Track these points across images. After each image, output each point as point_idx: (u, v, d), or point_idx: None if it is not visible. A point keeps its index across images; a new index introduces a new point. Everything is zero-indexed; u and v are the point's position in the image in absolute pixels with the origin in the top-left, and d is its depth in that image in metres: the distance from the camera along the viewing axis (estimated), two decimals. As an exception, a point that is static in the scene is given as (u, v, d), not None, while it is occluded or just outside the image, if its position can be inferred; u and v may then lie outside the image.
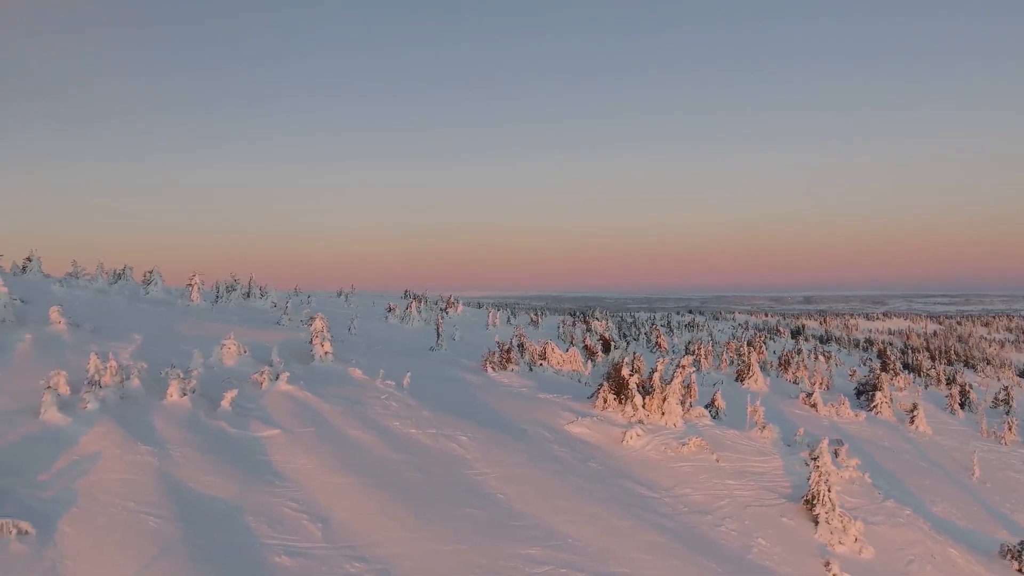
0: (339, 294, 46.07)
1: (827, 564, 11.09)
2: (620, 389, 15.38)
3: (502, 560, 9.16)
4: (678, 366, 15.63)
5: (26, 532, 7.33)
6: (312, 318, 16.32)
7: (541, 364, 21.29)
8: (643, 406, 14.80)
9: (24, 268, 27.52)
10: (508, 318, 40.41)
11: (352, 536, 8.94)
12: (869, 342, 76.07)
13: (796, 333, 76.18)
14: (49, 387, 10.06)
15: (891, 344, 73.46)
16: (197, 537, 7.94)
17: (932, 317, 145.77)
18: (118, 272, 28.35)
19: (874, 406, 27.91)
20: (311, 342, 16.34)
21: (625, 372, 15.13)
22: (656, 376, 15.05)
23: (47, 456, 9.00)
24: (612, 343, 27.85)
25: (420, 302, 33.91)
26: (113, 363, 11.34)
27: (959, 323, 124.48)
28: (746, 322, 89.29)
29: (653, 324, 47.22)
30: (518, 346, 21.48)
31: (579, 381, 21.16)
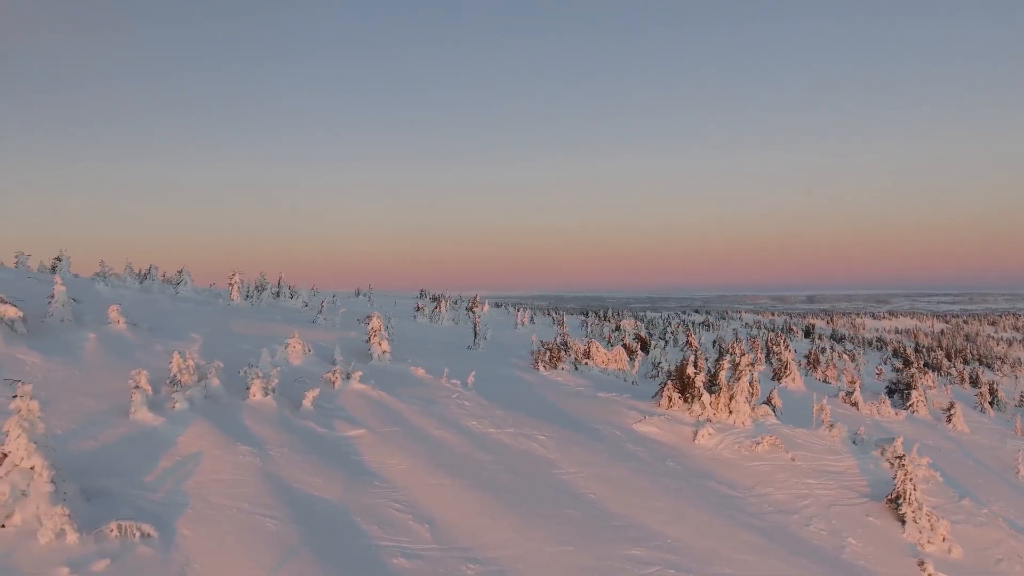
0: (357, 293, 45.88)
1: (921, 564, 10.91)
2: (684, 388, 15.19)
3: (610, 561, 8.98)
4: (741, 364, 15.45)
5: (148, 535, 7.13)
6: (369, 317, 16.13)
7: (586, 363, 21.10)
8: (710, 405, 14.61)
9: (53, 268, 27.30)
10: (531, 317, 40.24)
11: (460, 538, 8.74)
12: (881, 341, 76.01)
13: (808, 332, 76.06)
14: (138, 387, 9.85)
15: (902, 343, 73.35)
16: (316, 539, 7.74)
17: (938, 316, 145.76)
18: (144, 272, 28.12)
19: (910, 405, 27.75)
20: (368, 341, 16.14)
21: (690, 371, 14.94)
22: (721, 374, 14.87)
23: (148, 457, 8.79)
24: (649, 342, 27.64)
25: (446, 302, 33.74)
26: (191, 362, 11.14)
27: (965, 322, 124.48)
28: (757, 321, 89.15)
29: (679, 324, 47.00)
30: (562, 345, 21.27)
31: (625, 380, 20.98)
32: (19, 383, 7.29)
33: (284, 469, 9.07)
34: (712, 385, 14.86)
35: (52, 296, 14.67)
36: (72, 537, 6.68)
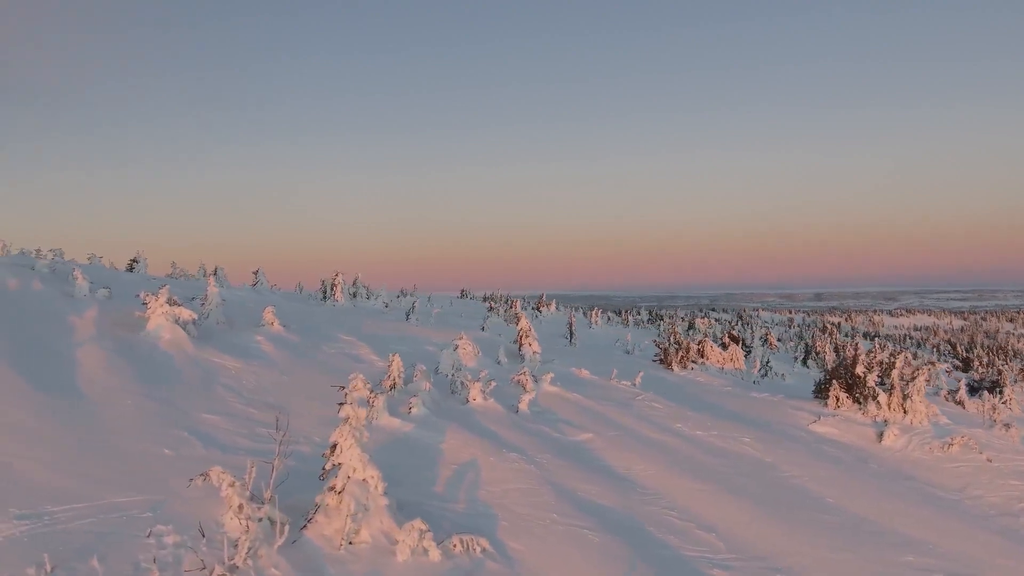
0: (402, 293, 45.52)
1: None
2: (851, 387, 14.80)
3: (894, 568, 8.54)
4: (898, 363, 15.07)
5: (486, 549, 6.70)
6: (517, 317, 15.71)
7: (702, 362, 20.70)
8: (886, 405, 14.21)
9: (131, 268, 26.87)
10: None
11: (748, 546, 8.31)
12: (912, 338, 75.76)
13: (838, 330, 75.76)
14: (377, 392, 9.42)
15: (940, 341, 73.15)
16: (640, 551, 7.32)
17: (953, 313, 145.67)
18: (209, 272, 27.72)
19: (1004, 402, 27.39)
20: (516, 341, 15.73)
21: (860, 369, 14.55)
22: (895, 373, 14.48)
23: (422, 465, 8.36)
24: (743, 341, 27.29)
25: (518, 302, 33.39)
26: (399, 364, 10.73)
27: (983, 318, 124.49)
28: (790, 320, 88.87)
29: (764, 324, 46.56)
30: (675, 344, 20.87)
31: (743, 379, 20.58)
32: (344, 389, 6.86)
33: (559, 476, 8.64)
34: (887, 384, 14.48)
35: (205, 298, 14.26)
36: (435, 554, 6.24)
